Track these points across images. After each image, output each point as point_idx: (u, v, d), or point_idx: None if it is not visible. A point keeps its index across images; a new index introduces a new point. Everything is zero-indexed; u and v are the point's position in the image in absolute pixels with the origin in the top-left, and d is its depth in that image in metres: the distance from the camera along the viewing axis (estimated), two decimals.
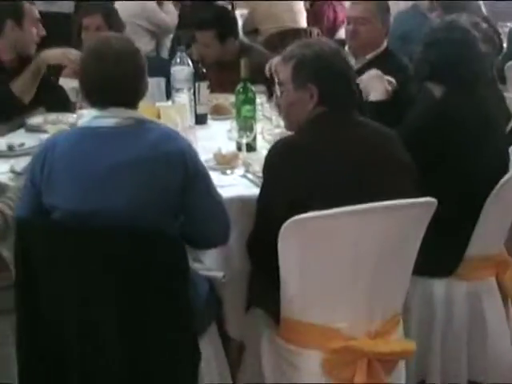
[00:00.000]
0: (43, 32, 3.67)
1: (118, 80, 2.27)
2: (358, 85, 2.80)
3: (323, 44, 2.49)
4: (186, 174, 2.24)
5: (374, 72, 3.29)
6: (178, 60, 3.41)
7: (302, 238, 2.22)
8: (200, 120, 3.51)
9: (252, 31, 6.50)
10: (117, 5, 6.03)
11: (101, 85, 2.28)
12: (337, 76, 2.42)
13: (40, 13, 3.77)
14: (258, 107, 3.34)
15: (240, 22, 6.41)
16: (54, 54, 3.64)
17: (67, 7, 6.92)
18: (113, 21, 4.03)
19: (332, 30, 6.55)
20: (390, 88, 3.24)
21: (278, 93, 2.60)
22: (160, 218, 2.22)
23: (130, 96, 2.32)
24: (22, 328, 2.32)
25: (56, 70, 3.94)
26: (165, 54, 6.34)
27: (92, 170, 2.21)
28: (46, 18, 3.91)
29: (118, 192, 2.19)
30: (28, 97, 3.52)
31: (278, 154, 2.41)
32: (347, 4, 3.87)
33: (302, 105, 2.45)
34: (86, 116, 2.46)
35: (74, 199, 2.23)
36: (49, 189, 2.28)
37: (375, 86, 3.23)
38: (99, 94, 2.30)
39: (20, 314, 2.32)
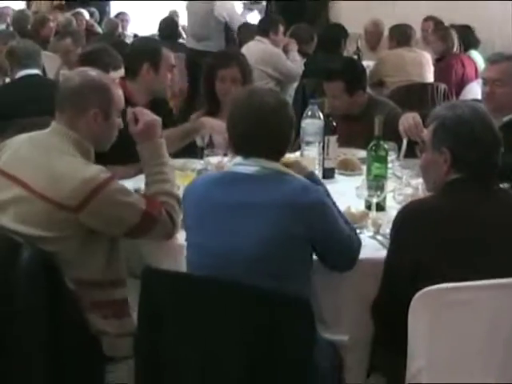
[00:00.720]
0: (176, 78, 3.74)
1: (261, 131, 2.37)
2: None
3: (469, 107, 2.43)
4: (314, 225, 2.34)
5: None
6: (310, 113, 3.38)
7: (434, 310, 2.18)
8: (327, 174, 3.47)
9: (377, 83, 6.46)
10: (243, 50, 6.18)
11: (245, 135, 2.40)
12: (473, 143, 2.37)
13: (190, 50, 3.87)
14: (389, 165, 3.27)
15: None
16: (216, 126, 3.66)
17: (214, 46, 7.17)
18: (247, 73, 4.08)
19: (460, 86, 6.41)
20: None
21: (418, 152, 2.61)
22: (287, 263, 2.31)
23: (273, 147, 2.41)
24: (140, 375, 2.35)
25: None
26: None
27: (224, 206, 2.35)
28: (195, 55, 4.07)
29: (247, 230, 2.29)
30: (169, 151, 3.57)
31: (406, 218, 2.39)
32: (481, 63, 3.77)
33: (437, 168, 2.43)
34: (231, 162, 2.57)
35: (203, 234, 2.38)
36: (187, 227, 2.48)
37: None
38: (243, 144, 2.41)
39: (139, 362, 2.36)
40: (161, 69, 3.69)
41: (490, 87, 3.58)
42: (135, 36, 9.42)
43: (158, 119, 2.84)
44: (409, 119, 3.62)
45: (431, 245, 2.28)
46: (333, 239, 2.42)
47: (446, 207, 2.35)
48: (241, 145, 2.43)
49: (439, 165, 2.41)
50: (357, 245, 2.51)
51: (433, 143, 2.43)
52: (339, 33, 6.82)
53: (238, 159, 2.44)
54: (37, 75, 4.93)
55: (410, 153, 3.56)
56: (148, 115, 2.83)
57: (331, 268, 2.49)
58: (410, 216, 2.38)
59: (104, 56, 4.26)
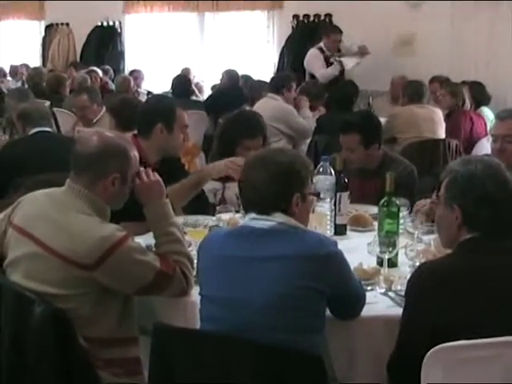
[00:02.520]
0: (188, 139, 3.78)
1: (274, 189, 2.43)
2: None
3: (483, 163, 2.43)
4: (330, 277, 2.38)
5: None
6: (321, 169, 3.42)
7: (447, 367, 2.16)
8: (339, 231, 3.49)
9: (389, 140, 6.50)
10: (256, 107, 6.26)
11: (257, 192, 2.45)
12: (483, 201, 2.36)
13: None
14: (401, 221, 3.28)
15: None
16: (218, 169, 3.74)
17: None
18: (267, 138, 4.26)
19: (469, 141, 6.46)
20: None
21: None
22: (301, 316, 2.33)
23: (286, 204, 2.45)
24: None
25: None
26: None
27: (239, 259, 2.39)
28: None
29: (261, 283, 2.33)
30: (180, 204, 3.60)
31: (421, 279, 2.39)
32: (492, 119, 3.82)
33: (449, 224, 2.43)
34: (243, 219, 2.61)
35: (218, 287, 2.41)
36: (202, 281, 2.52)
37: None
38: (257, 201, 2.46)
39: None
40: (174, 129, 3.73)
41: (500, 144, 3.62)
42: (149, 93, 9.56)
43: (160, 180, 2.86)
44: (418, 206, 3.62)
45: (448, 309, 2.27)
46: (347, 290, 2.47)
47: (460, 269, 2.34)
48: (253, 203, 2.48)
49: (451, 222, 2.41)
50: (364, 293, 2.59)
51: (445, 199, 2.44)
52: (351, 90, 6.90)
53: (253, 214, 2.48)
54: (48, 131, 4.99)
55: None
56: (152, 176, 2.85)
57: (339, 317, 2.52)
58: (424, 279, 2.37)
59: None
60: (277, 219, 2.44)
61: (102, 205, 2.68)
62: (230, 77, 8.77)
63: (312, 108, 7.17)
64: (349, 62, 8.22)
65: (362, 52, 8.35)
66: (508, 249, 2.38)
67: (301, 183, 2.51)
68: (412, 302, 2.38)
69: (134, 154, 2.75)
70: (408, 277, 2.76)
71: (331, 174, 3.42)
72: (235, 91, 8.21)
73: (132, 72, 10.43)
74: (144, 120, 3.80)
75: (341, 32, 8.45)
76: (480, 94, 7.22)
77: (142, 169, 2.85)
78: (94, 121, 6.21)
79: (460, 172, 2.41)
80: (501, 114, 3.83)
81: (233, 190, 4.06)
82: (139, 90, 9.71)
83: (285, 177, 2.46)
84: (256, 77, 8.99)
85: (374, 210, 3.52)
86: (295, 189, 2.48)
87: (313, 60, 8.39)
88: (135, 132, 3.80)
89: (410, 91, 6.76)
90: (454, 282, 2.31)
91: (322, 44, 8.49)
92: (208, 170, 3.82)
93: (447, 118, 6.67)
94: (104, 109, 6.23)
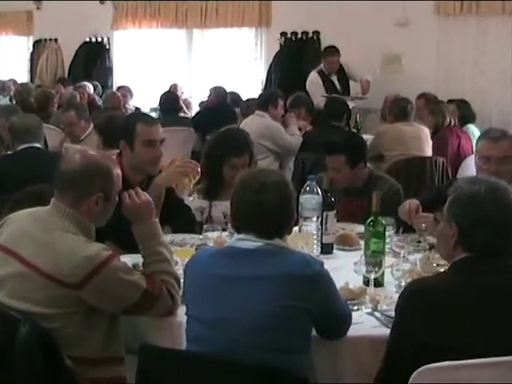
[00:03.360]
0: (160, 154, 3.69)
1: (260, 208, 2.44)
2: None
3: (488, 185, 2.40)
4: (316, 297, 2.38)
5: None
6: (308, 188, 3.41)
7: None
8: (326, 250, 3.50)
9: (376, 157, 6.53)
10: (243, 125, 6.28)
11: (245, 212, 2.47)
12: (481, 223, 2.36)
13: None
14: (387, 240, 3.29)
15: None
16: (166, 178, 3.71)
17: None
18: (253, 155, 4.27)
19: (457, 159, 6.49)
20: None
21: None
22: (287, 336, 2.33)
23: (272, 225, 2.47)
24: None
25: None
26: (288, 176, 6.45)
27: (225, 279, 2.40)
28: None
29: (247, 303, 2.33)
30: None
31: (409, 297, 2.38)
32: (477, 137, 3.80)
33: (446, 240, 2.44)
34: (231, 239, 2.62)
35: (204, 307, 2.41)
36: (188, 301, 2.52)
37: None
38: (243, 221, 2.49)
39: None
40: (135, 145, 3.66)
41: (495, 165, 3.59)
42: (137, 109, 9.57)
43: (150, 200, 2.87)
44: (405, 205, 3.67)
45: (437, 327, 2.27)
46: (333, 310, 2.48)
47: (451, 288, 2.34)
48: (242, 222, 2.50)
49: (449, 238, 2.41)
50: (350, 313, 2.60)
51: (447, 215, 2.44)
52: (342, 107, 6.93)
53: (241, 235, 2.49)
54: (37, 148, 4.99)
55: (408, 228, 3.59)
56: (142, 196, 2.86)
57: (325, 337, 2.52)
58: (414, 296, 2.37)
59: None
60: (264, 239, 2.45)
61: (87, 223, 2.68)
62: (218, 93, 8.80)
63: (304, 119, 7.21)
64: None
65: (362, 97, 8.33)
66: (501, 269, 2.38)
67: (290, 205, 2.54)
68: (401, 320, 2.38)
69: (117, 172, 2.75)
70: (394, 296, 2.79)
71: (318, 193, 3.41)
72: (223, 108, 8.24)
73: (119, 88, 10.44)
74: (113, 138, 3.79)
75: (337, 52, 8.40)
76: (466, 112, 7.29)
77: (134, 190, 2.86)
78: (82, 137, 6.20)
79: (464, 191, 2.41)
80: (492, 134, 3.75)
81: (220, 208, 4.08)
82: (127, 106, 9.71)
83: (292, 200, 2.53)
84: (244, 94, 9.03)
85: (361, 228, 3.53)
86: (280, 212, 2.50)
87: (311, 86, 8.40)
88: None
89: (396, 109, 6.80)
90: (444, 301, 2.30)
91: (322, 66, 8.49)
92: (158, 181, 3.71)
93: (433, 135, 6.71)
94: (92, 125, 6.23)
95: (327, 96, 7.83)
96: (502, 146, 3.64)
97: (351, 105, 7.60)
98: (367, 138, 6.97)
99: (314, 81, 8.42)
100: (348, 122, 7.01)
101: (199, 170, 3.76)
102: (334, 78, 8.45)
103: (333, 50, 8.48)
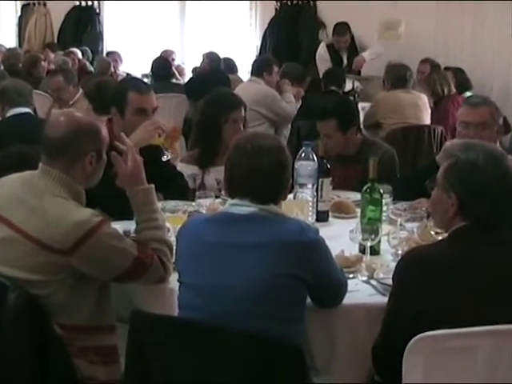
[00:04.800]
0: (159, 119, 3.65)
1: (256, 173, 2.43)
2: None
3: (485, 152, 2.39)
4: (311, 265, 2.39)
5: None
6: (303, 155, 3.40)
7: (430, 356, 2.17)
8: (321, 217, 3.50)
9: (373, 125, 6.51)
10: (237, 90, 6.23)
11: (241, 177, 2.45)
12: (482, 193, 2.34)
13: None
14: (384, 208, 3.29)
15: (361, 116, 6.45)
16: (139, 138, 3.54)
17: None
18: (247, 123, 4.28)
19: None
20: None
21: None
22: (280, 303, 2.33)
23: (268, 190, 2.46)
24: None
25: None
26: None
27: (219, 246, 2.39)
28: None
29: (241, 269, 2.33)
30: None
31: (410, 265, 2.38)
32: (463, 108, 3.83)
33: (444, 209, 2.42)
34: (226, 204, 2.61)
35: (197, 274, 2.41)
36: (180, 268, 2.51)
37: None
38: (240, 187, 2.47)
39: None
40: (126, 113, 3.65)
41: (474, 131, 3.63)
42: (128, 75, 9.50)
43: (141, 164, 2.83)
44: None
45: (436, 296, 2.27)
46: (328, 278, 2.47)
47: (451, 257, 2.34)
48: (237, 187, 2.48)
49: (446, 208, 2.40)
50: (345, 280, 2.61)
51: (443, 184, 2.42)
52: (342, 73, 6.85)
53: (234, 200, 2.48)
54: (27, 113, 4.98)
55: (405, 195, 3.58)
56: (138, 159, 2.84)
57: (320, 305, 2.53)
58: (414, 264, 2.37)
59: None
60: (258, 205, 2.44)
61: (78, 189, 2.66)
62: (211, 59, 8.73)
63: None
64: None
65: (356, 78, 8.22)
66: (500, 241, 2.39)
67: (286, 170, 2.52)
68: (399, 288, 2.38)
69: (104, 129, 2.74)
70: (391, 265, 2.80)
71: (313, 159, 3.41)
72: (216, 74, 8.18)
73: (109, 54, 10.35)
74: (104, 104, 3.75)
75: (346, 31, 8.24)
76: (463, 80, 7.24)
77: (123, 146, 2.84)
78: (71, 103, 6.18)
79: (460, 158, 2.39)
80: (472, 100, 3.86)
81: (213, 175, 4.06)
82: (117, 72, 9.64)
83: (288, 165, 2.51)
84: (238, 60, 8.97)
85: (357, 196, 3.52)
86: (275, 176, 2.49)
87: (318, 60, 8.33)
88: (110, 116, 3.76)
89: (392, 76, 6.76)
90: (442, 270, 2.31)
91: (333, 40, 8.39)
92: (132, 140, 3.43)
93: (434, 106, 6.67)
94: (80, 91, 6.20)
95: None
96: (480, 111, 3.69)
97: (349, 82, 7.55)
98: (364, 106, 6.99)
99: (321, 55, 8.35)
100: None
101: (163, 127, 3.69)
102: (344, 54, 8.32)
103: (341, 29, 8.25)
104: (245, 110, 4.19)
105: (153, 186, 2.84)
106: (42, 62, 8.39)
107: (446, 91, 6.68)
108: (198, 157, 4.16)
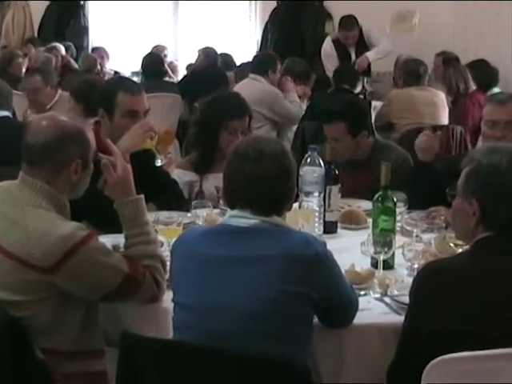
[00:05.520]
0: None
1: (258, 182, 2.44)
2: None
3: (510, 154, 2.39)
4: (318, 281, 2.39)
5: None
6: (309, 160, 3.40)
7: (450, 380, 2.16)
8: (329, 228, 3.51)
9: (386, 126, 6.52)
10: (236, 89, 6.24)
11: (240, 185, 2.47)
12: (506, 200, 2.35)
13: None
14: (397, 217, 3.30)
15: (373, 115, 6.47)
16: (129, 143, 3.57)
17: None
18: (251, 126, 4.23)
19: (478, 129, 6.45)
20: None
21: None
22: (285, 322, 2.34)
23: (270, 200, 2.47)
24: None
25: None
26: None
27: (217, 261, 2.40)
28: None
29: (242, 286, 2.34)
30: None
31: (426, 280, 2.38)
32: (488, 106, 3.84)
33: (466, 218, 2.43)
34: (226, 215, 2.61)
35: (193, 292, 2.42)
36: (175, 286, 2.52)
37: None
38: (238, 195, 2.48)
39: None
40: (115, 116, 3.66)
41: (502, 131, 3.64)
42: (116, 74, 9.52)
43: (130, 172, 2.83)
44: (421, 137, 3.77)
45: (457, 313, 2.28)
46: (337, 295, 2.47)
47: (473, 271, 2.34)
48: (237, 197, 2.49)
49: (468, 216, 2.41)
50: (356, 298, 2.60)
51: (464, 190, 2.43)
52: (352, 72, 6.88)
53: (234, 211, 2.49)
54: (6, 117, 4.97)
55: (421, 204, 3.59)
56: (127, 167, 2.83)
57: (328, 325, 2.53)
58: (432, 279, 2.37)
59: None
60: (260, 216, 2.44)
61: (62, 200, 2.66)
62: (208, 56, 8.76)
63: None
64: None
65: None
66: None
67: (290, 178, 2.53)
68: (416, 305, 2.38)
69: (91, 134, 2.75)
70: (406, 280, 2.80)
71: (320, 165, 3.41)
72: (213, 72, 8.20)
73: (94, 49, 10.37)
74: (92, 105, 3.76)
75: (353, 26, 8.23)
76: (487, 74, 7.01)
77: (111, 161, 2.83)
78: (48, 106, 6.14)
79: (483, 163, 2.39)
80: (499, 96, 3.87)
81: (212, 182, 4.06)
82: (104, 69, 9.65)
83: (293, 172, 2.52)
84: (236, 56, 8.98)
85: (368, 205, 3.54)
86: (278, 185, 2.50)
87: (324, 57, 8.37)
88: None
89: (405, 72, 6.77)
90: (464, 285, 2.31)
91: (340, 35, 8.40)
92: (122, 144, 3.50)
93: (452, 104, 6.67)
94: (59, 92, 6.17)
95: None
96: (508, 109, 3.69)
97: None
98: (376, 105, 7.00)
99: (327, 51, 8.38)
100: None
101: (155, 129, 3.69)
102: (352, 50, 8.34)
103: (348, 23, 8.24)
104: (250, 119, 4.17)
105: (142, 196, 2.84)
106: (20, 59, 8.36)
107: (461, 88, 6.62)
108: (196, 162, 4.17)
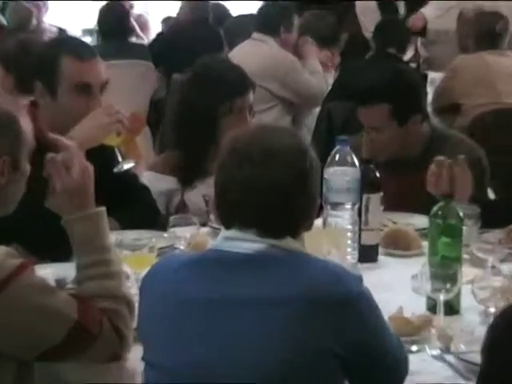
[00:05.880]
0: (100, 105, 3.69)
1: (264, 192, 2.42)
2: None
3: None
4: (348, 332, 2.38)
5: None
6: (338, 157, 3.41)
7: None
8: (367, 255, 3.54)
9: (448, 108, 6.55)
10: (233, 56, 6.28)
11: (240, 197, 2.44)
12: None
13: None
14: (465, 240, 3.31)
15: (429, 93, 6.49)
16: (86, 134, 3.60)
17: None
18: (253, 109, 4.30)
19: None
20: None
21: None
22: None
23: (282, 216, 2.46)
24: None
25: None
26: (305, 137, 6.47)
27: (207, 304, 2.40)
28: None
29: (244, 340, 2.34)
30: None
31: (507, 331, 2.38)
32: None
33: None
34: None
35: (171, 348, 2.42)
36: (145, 339, 2.54)
37: None
38: (236, 210, 2.47)
39: None
40: (58, 92, 3.70)
41: None
42: (61, 31, 9.57)
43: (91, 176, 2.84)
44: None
45: None
46: (377, 352, 2.47)
47: None
48: (235, 212, 2.48)
49: None
50: (405, 356, 2.59)
51: None
52: (401, 29, 6.93)
53: (231, 231, 2.49)
54: None
55: (500, 221, 3.60)
56: (87, 170, 2.84)
57: None
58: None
59: None
60: (268, 240, 2.44)
61: None
62: (194, 8, 8.78)
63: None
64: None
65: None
66: None
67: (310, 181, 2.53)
68: (493, 365, 2.39)
69: (27, 123, 2.74)
70: (478, 330, 2.81)
71: (354, 164, 3.43)
72: (201, 29, 8.23)
73: None
74: (24, 77, 3.80)
75: None
76: None
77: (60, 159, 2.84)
78: None
79: None
80: None
81: (199, 188, 4.08)
82: (43, 25, 9.69)
83: (313, 177, 2.51)
84: (235, 8, 9.04)
85: (423, 221, 3.55)
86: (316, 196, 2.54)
87: (361, 12, 8.51)
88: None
89: (478, 31, 6.80)
90: None
91: None
92: (75, 137, 3.42)
93: None
94: None
95: None
96: None
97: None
98: (434, 77, 7.03)
99: (364, 2, 8.49)
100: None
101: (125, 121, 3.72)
102: (400, 2, 8.48)
103: None
104: (253, 92, 4.23)
105: (104, 209, 2.84)
106: None
107: None
108: (178, 163, 4.20)
